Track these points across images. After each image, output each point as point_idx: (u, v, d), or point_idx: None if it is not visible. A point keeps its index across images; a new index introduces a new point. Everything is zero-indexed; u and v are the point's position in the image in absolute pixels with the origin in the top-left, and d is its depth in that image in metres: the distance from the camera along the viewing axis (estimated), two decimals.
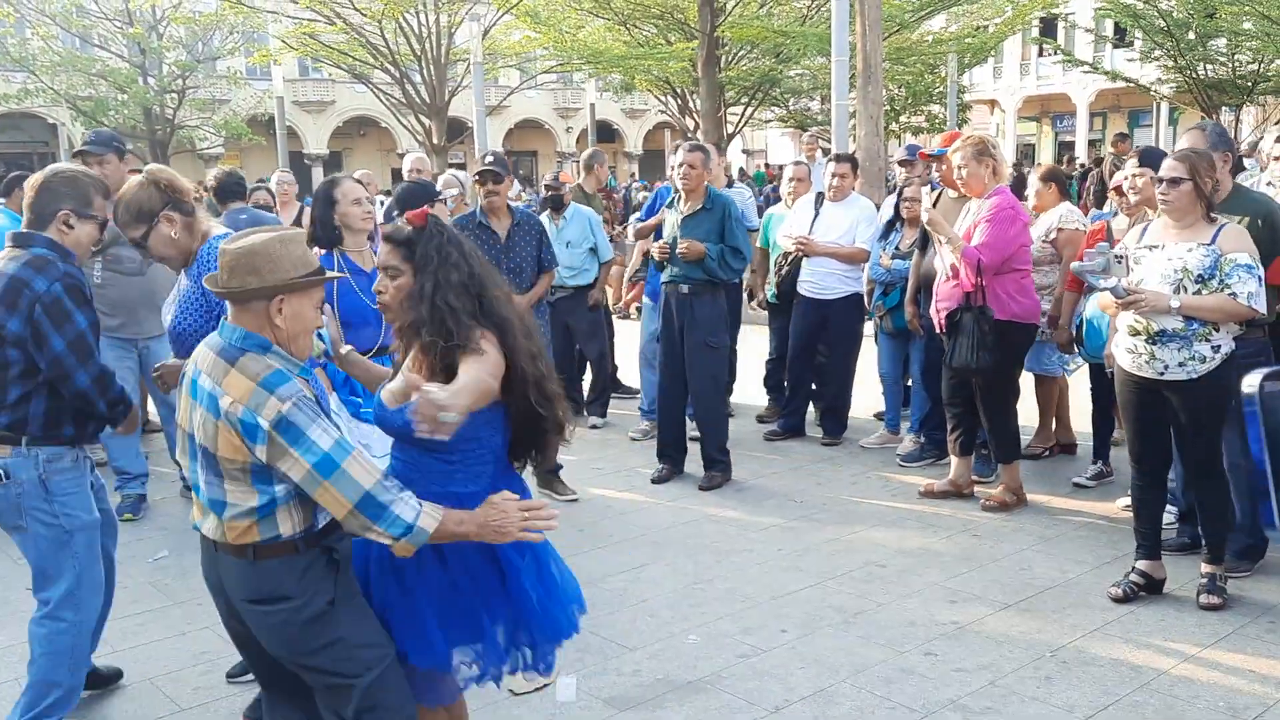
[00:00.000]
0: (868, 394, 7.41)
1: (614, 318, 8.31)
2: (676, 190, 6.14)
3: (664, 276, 6.05)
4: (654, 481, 6.08)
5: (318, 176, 31.94)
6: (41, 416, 3.21)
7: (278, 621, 2.49)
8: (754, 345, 8.29)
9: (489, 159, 5.91)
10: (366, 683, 2.52)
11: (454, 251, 2.60)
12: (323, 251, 4.29)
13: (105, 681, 3.77)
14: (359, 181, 4.48)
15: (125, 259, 5.37)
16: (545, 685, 3.74)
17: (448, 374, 2.55)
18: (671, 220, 6.05)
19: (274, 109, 21.97)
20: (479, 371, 2.52)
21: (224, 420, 2.38)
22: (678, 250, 5.82)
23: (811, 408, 7.19)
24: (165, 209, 3.47)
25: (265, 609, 2.48)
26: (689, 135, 24.59)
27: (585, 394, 7.69)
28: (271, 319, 2.43)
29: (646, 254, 7.86)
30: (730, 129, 23.74)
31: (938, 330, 5.51)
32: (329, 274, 2.54)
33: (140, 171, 3.72)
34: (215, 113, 29.76)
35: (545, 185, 7.49)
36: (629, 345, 8.06)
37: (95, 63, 26.45)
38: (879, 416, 7.14)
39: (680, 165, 5.89)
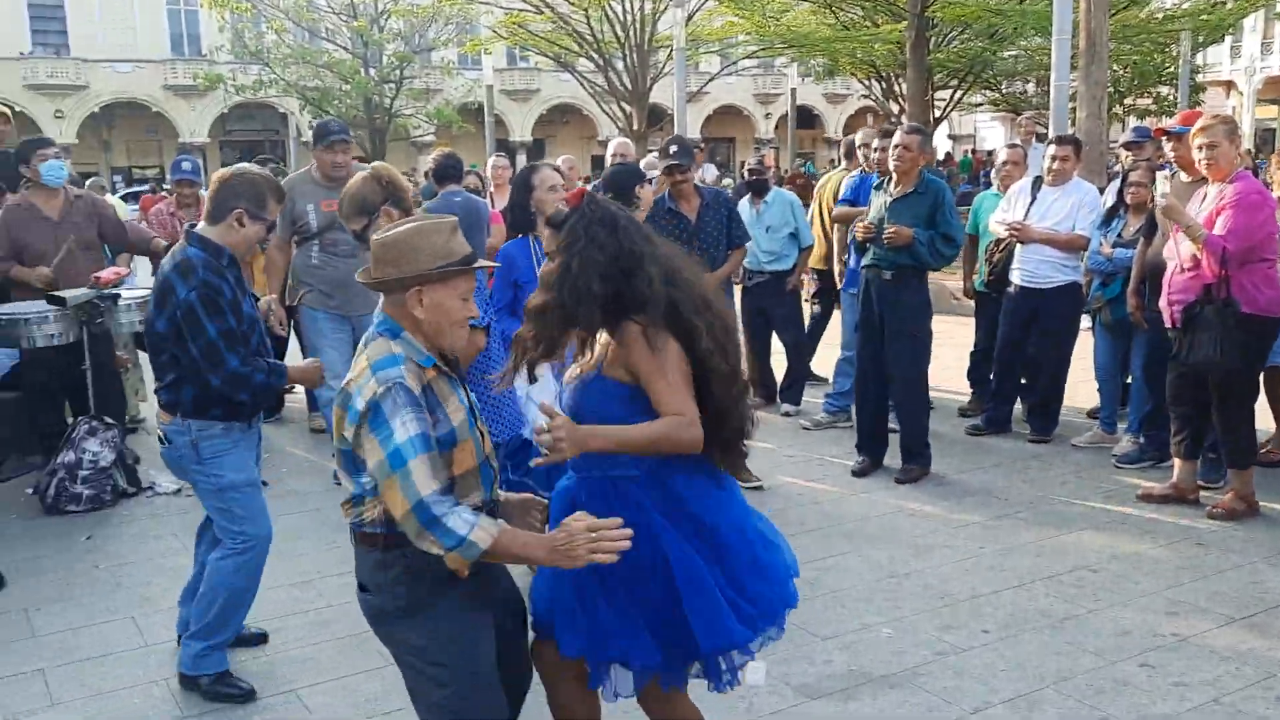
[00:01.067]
0: (1081, 390, 7.01)
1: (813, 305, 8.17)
2: (870, 172, 5.95)
3: (865, 260, 5.85)
4: (854, 474, 5.91)
5: (521, 163, 32.86)
6: (190, 401, 3.50)
7: (365, 606, 2.53)
8: (957, 336, 7.98)
9: (673, 149, 5.85)
10: (436, 699, 2.46)
11: (601, 231, 2.46)
12: (518, 235, 4.42)
13: (251, 642, 3.98)
14: (556, 169, 4.56)
15: (340, 242, 5.61)
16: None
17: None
18: (879, 202, 5.82)
19: (483, 97, 22.78)
20: (666, 381, 2.44)
21: (339, 398, 2.42)
22: (884, 235, 5.62)
23: (1019, 403, 6.87)
24: (385, 204, 3.69)
25: (359, 594, 2.53)
26: (893, 120, 23.95)
27: (780, 381, 7.61)
28: (411, 309, 2.39)
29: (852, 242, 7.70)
30: (937, 113, 22.96)
31: (1169, 325, 5.14)
32: (474, 264, 2.44)
33: (363, 159, 3.94)
34: (429, 102, 31.10)
35: (748, 170, 7.43)
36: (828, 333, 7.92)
37: (322, 55, 28.10)
38: (1092, 414, 6.75)
39: (895, 147, 5.67)
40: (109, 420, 5.77)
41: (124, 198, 20.56)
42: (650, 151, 12.10)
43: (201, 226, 3.53)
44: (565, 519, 2.36)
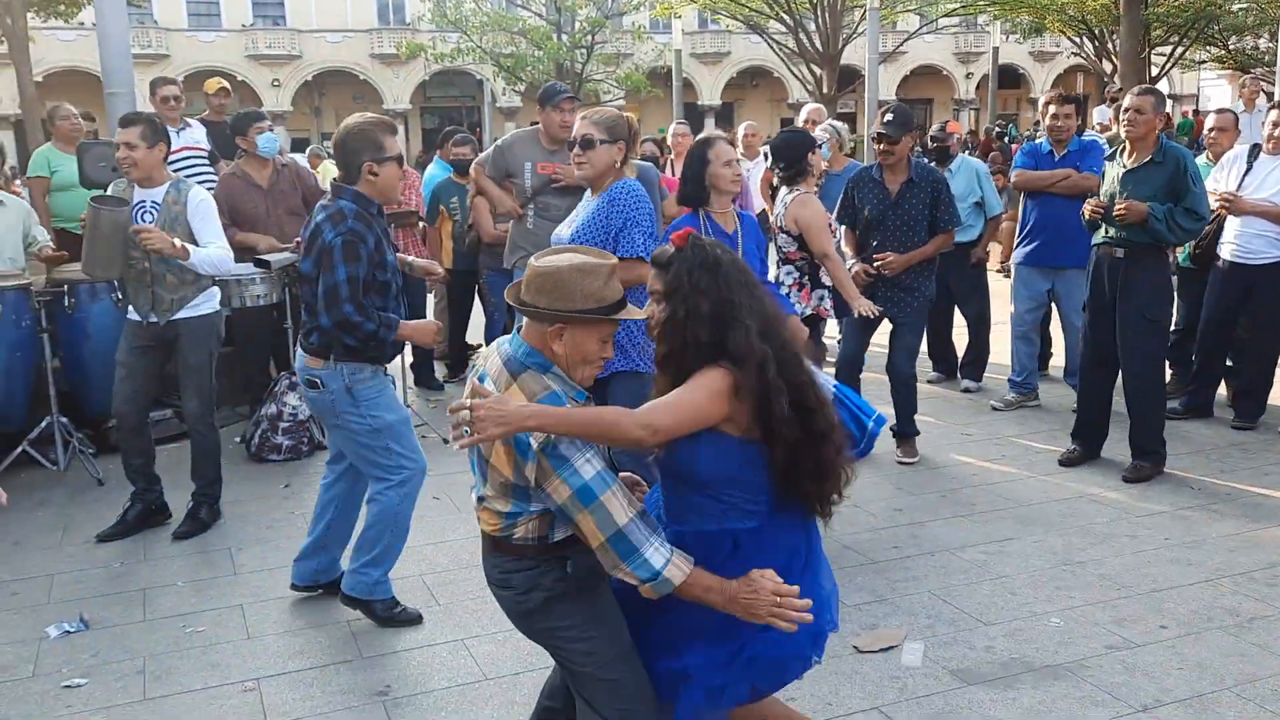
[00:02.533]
0: None
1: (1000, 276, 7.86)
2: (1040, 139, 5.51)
3: (1095, 238, 5.42)
4: (1062, 463, 5.56)
5: (709, 127, 32.77)
6: (343, 345, 3.69)
7: (504, 603, 2.58)
8: None
9: (887, 118, 5.58)
10: (591, 670, 2.49)
11: (704, 277, 2.39)
12: (688, 211, 4.44)
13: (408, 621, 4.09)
14: (730, 143, 4.53)
15: (553, 207, 5.59)
16: (892, 647, 3.68)
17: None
18: (1111, 174, 5.36)
19: (672, 61, 22.83)
20: (679, 401, 2.35)
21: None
22: (1115, 210, 5.18)
23: (1223, 387, 6.43)
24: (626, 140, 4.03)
25: (499, 591, 2.59)
26: (1106, 80, 22.56)
27: (960, 356, 7.38)
28: (550, 342, 2.41)
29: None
30: (1154, 72, 21.52)
31: None
32: (621, 314, 2.42)
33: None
34: (619, 67, 31.40)
35: (931, 136, 7.18)
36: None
37: (517, 22, 28.78)
38: None
39: (1127, 110, 5.18)
40: None
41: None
42: (840, 116, 11.89)
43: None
44: (753, 571, 2.33)
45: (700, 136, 4.69)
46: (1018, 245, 6.73)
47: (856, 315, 5.08)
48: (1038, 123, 29.45)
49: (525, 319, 2.49)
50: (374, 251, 3.67)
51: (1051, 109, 6.49)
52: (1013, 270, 6.90)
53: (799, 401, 2.39)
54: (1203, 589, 4.08)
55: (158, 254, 4.60)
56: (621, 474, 2.59)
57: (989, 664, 3.57)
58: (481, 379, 2.52)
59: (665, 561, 2.31)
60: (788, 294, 5.25)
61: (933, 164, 7.02)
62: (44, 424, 5.67)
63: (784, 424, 2.36)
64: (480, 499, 2.54)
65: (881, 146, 5.56)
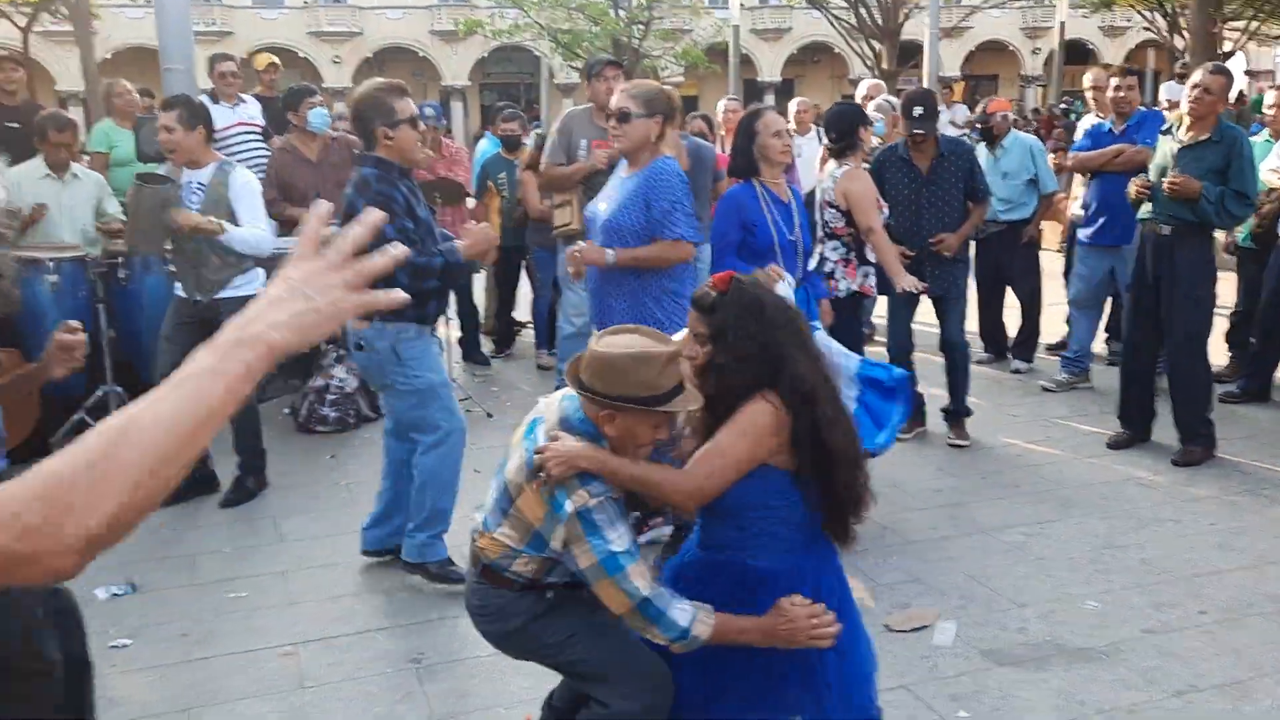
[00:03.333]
0: None
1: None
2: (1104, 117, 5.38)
3: (1141, 213, 5.31)
4: (1110, 447, 5.46)
5: (769, 103, 32.47)
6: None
7: (490, 629, 2.63)
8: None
9: (916, 112, 5.47)
10: (592, 662, 2.55)
11: (752, 322, 2.40)
12: (739, 181, 4.43)
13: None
14: (779, 114, 4.50)
15: (600, 186, 5.60)
16: (924, 627, 3.67)
17: None
18: (1165, 149, 5.22)
19: (730, 37, 22.65)
20: (723, 456, 2.38)
21: (538, 484, 2.43)
22: (1164, 184, 5.04)
23: None
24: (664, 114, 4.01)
25: (478, 619, 2.65)
26: (1177, 55, 21.94)
27: (1012, 337, 7.28)
28: (602, 424, 2.42)
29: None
30: (1228, 46, 20.87)
31: None
32: (670, 409, 2.38)
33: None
34: (677, 43, 31.19)
35: (976, 122, 7.05)
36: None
37: None
38: None
39: (1194, 87, 5.05)
40: None
41: None
42: (900, 90, 11.69)
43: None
44: (782, 600, 2.36)
45: (749, 108, 4.66)
46: (1082, 225, 6.60)
47: (899, 291, 5.04)
48: (1068, 102, 28.58)
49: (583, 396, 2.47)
50: (404, 206, 3.75)
51: (1114, 81, 6.35)
52: (1075, 249, 6.78)
53: (845, 442, 2.43)
54: (1245, 575, 4.00)
55: (196, 233, 4.70)
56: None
57: (1021, 645, 3.54)
58: (532, 425, 2.54)
59: (691, 619, 2.34)
60: (833, 270, 5.21)
61: (981, 143, 6.95)
62: (99, 392, 5.83)
63: (834, 455, 2.39)
64: (486, 528, 2.57)
65: (918, 138, 5.51)
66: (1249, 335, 6.38)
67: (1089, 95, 7.29)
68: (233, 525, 4.77)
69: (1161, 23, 23.44)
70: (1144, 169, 5.56)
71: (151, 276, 5.92)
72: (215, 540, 4.60)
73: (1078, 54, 40.39)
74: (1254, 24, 22.46)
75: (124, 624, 3.83)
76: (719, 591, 2.45)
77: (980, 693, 3.27)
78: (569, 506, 2.37)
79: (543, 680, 3.38)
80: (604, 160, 5.37)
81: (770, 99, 37.27)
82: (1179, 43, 22.10)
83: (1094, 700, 3.21)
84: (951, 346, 5.66)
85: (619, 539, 2.36)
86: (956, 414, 5.67)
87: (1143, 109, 6.41)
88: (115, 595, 4.05)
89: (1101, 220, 6.37)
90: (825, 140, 5.49)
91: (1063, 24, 29.50)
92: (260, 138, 7.20)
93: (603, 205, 4.15)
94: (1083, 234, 6.54)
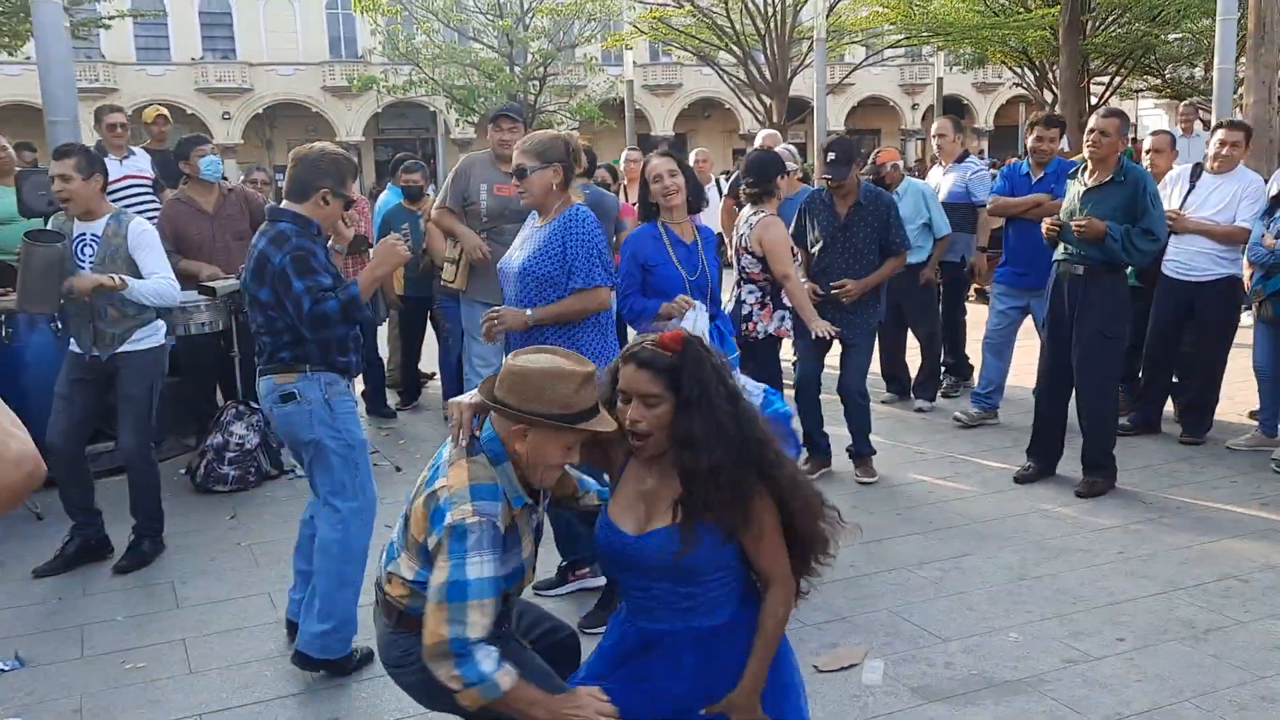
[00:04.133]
0: (1239, 390, 6.60)
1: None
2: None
3: (1056, 254, 5.45)
4: (1018, 480, 5.55)
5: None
6: (315, 350, 3.63)
7: (414, 681, 2.52)
8: None
9: (830, 156, 5.61)
10: None
11: (715, 381, 2.35)
12: (645, 221, 4.49)
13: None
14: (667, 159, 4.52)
15: (509, 232, 5.39)
16: (852, 665, 3.64)
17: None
18: (1073, 192, 5.40)
19: (624, 93, 22.97)
20: (772, 542, 2.39)
21: (427, 497, 2.41)
22: (1073, 225, 5.20)
23: (1170, 403, 6.51)
24: (561, 160, 3.93)
25: (398, 672, 2.56)
26: (1046, 108, 23.05)
27: (914, 376, 7.43)
28: (513, 441, 2.39)
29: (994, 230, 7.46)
30: (1093, 101, 22.00)
31: None
32: (585, 429, 2.35)
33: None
34: (572, 98, 31.53)
35: (864, 172, 7.24)
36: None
37: (469, 54, 28.79)
38: (1253, 415, 6.34)
39: (1091, 131, 5.23)
40: (255, 405, 6.05)
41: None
42: (791, 144, 11.96)
43: (286, 204, 3.65)
44: (580, 688, 2.36)
45: (646, 157, 4.74)
46: (1000, 267, 6.78)
47: (814, 336, 5.09)
48: (981, 151, 29.92)
49: (494, 414, 2.46)
50: (325, 264, 3.61)
51: (1036, 130, 6.59)
52: (990, 287, 6.99)
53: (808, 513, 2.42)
54: (1157, 601, 4.09)
55: (99, 293, 4.49)
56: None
57: (949, 681, 3.54)
58: (443, 446, 2.52)
59: (497, 665, 2.26)
60: (750, 313, 5.26)
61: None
62: None
63: (802, 515, 2.40)
64: (390, 564, 2.52)
65: (830, 183, 5.63)
66: (1136, 369, 6.62)
67: (935, 142, 7.74)
68: (128, 592, 4.50)
69: (1031, 78, 24.58)
70: None
71: (36, 334, 5.63)
72: (109, 608, 4.33)
73: (954, 109, 42.05)
74: (1116, 79, 23.75)
75: (12, 702, 3.56)
76: (661, 656, 2.42)
77: None
78: (449, 518, 2.31)
79: None
80: (480, 256, 5.39)
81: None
82: (1048, 96, 23.19)
83: None
84: (847, 394, 5.72)
85: (479, 565, 2.27)
86: (860, 454, 5.73)
87: (1061, 159, 6.66)
88: (1, 671, 3.77)
89: (1017, 263, 6.56)
90: (729, 189, 5.59)
91: (940, 80, 30.75)
92: (150, 190, 6.96)
93: (516, 254, 4.09)
94: (999, 271, 6.75)
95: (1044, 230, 5.44)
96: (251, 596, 4.41)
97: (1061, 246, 5.38)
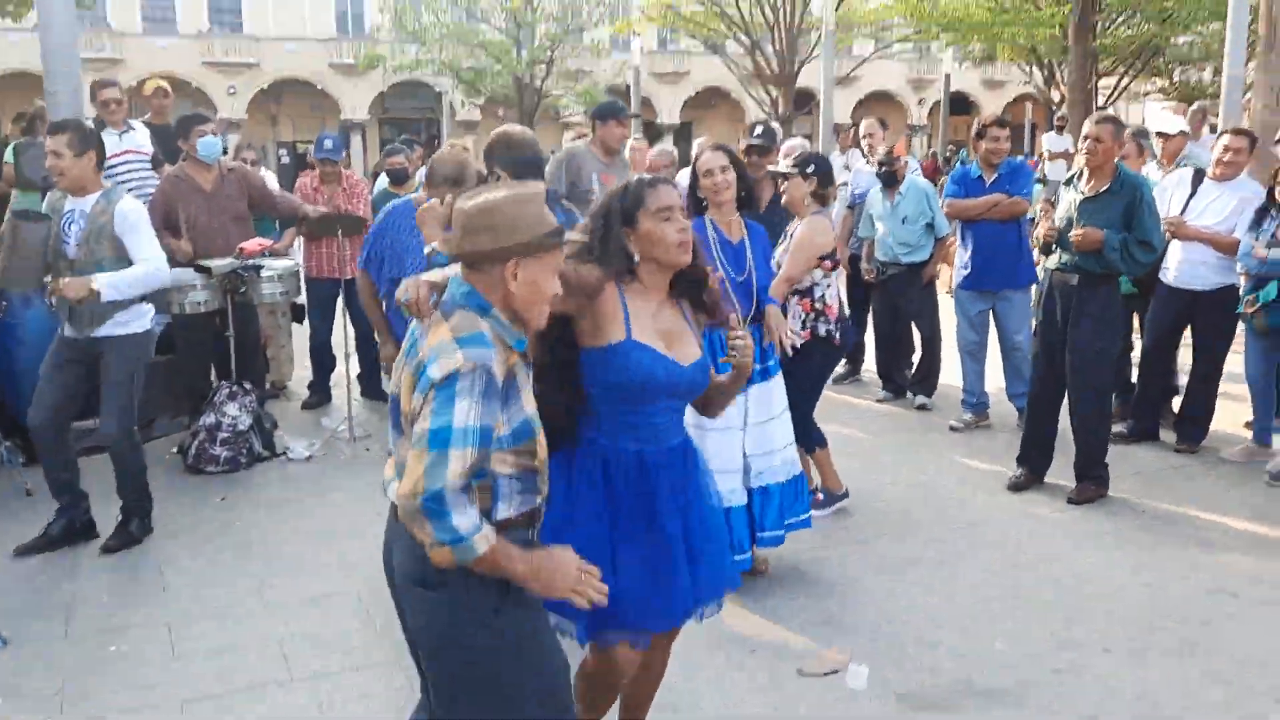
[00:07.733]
0: (1233, 400, 6.58)
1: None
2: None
3: (1050, 263, 5.39)
4: (1010, 488, 5.51)
5: (667, 144, 32.81)
6: None
7: (431, 607, 2.23)
8: None
9: (756, 130, 5.75)
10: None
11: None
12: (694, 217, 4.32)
13: None
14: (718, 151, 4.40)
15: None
16: (836, 671, 3.63)
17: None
18: (1068, 200, 5.33)
19: (631, 79, 22.88)
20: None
21: (415, 367, 2.17)
22: (1070, 237, 5.14)
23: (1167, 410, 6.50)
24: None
25: (423, 592, 2.23)
26: (1053, 108, 22.96)
27: (912, 374, 7.41)
28: (505, 282, 2.19)
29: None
30: (1100, 101, 21.92)
31: None
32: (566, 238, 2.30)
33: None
34: (578, 83, 31.42)
35: (879, 161, 7.20)
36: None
37: (477, 35, 28.68)
38: (1248, 425, 6.33)
39: (1085, 138, 5.15)
40: (248, 385, 6.04)
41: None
42: (794, 136, 11.88)
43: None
44: (556, 548, 2.23)
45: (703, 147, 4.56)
46: (957, 269, 6.77)
47: (787, 346, 4.80)
48: (953, 150, 29.70)
49: (463, 267, 2.24)
50: None
51: (990, 132, 6.56)
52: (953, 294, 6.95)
53: None
54: (1145, 611, 4.08)
55: (85, 300, 4.46)
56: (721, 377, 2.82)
57: (934, 687, 3.53)
58: (413, 334, 2.30)
59: (476, 528, 2.06)
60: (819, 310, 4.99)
61: (880, 187, 7.08)
62: None
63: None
64: (400, 477, 2.19)
65: (751, 159, 5.65)
66: (1131, 376, 6.60)
67: (864, 143, 7.85)
68: (114, 572, 4.49)
69: (1039, 77, 24.50)
70: (1021, 218, 5.77)
71: (31, 310, 5.61)
72: (94, 589, 4.32)
73: (960, 106, 41.96)
74: (1124, 80, 23.67)
75: None
76: (667, 467, 2.70)
77: None
78: (433, 373, 2.09)
79: None
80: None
81: (669, 140, 37.71)
82: (1055, 96, 23.12)
83: None
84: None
85: (469, 412, 2.06)
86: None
87: (1010, 159, 6.62)
88: None
89: (977, 265, 6.54)
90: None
91: (948, 76, 30.69)
92: (149, 166, 6.91)
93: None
94: (958, 278, 6.71)
95: (1040, 236, 5.40)
96: (239, 580, 4.40)
97: (1056, 254, 5.34)
